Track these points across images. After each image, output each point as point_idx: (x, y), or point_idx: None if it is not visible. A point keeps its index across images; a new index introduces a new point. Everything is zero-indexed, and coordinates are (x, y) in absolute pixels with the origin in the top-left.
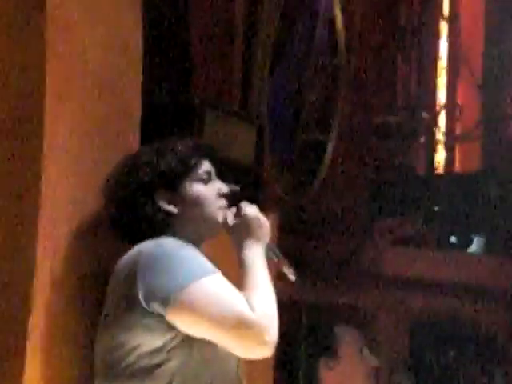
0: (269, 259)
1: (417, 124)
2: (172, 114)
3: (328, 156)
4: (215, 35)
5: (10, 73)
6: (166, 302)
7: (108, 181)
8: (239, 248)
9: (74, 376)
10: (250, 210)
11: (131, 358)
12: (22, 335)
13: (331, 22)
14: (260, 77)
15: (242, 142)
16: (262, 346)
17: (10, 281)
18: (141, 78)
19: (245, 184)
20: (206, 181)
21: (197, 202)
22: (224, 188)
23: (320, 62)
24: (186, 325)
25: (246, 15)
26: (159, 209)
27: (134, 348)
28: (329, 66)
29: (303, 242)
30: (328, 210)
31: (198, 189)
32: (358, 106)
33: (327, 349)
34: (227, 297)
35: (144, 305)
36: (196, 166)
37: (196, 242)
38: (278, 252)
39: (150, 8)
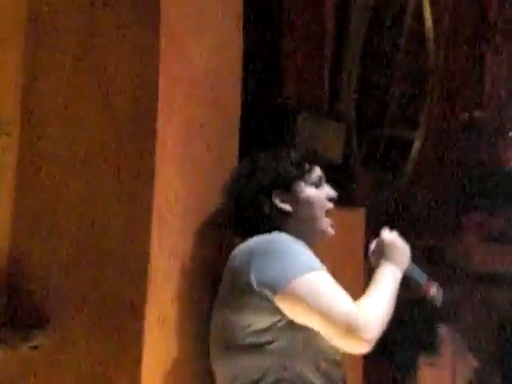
0: (415, 283)
1: (505, 119)
2: (266, 117)
3: (415, 152)
4: (306, 43)
5: (127, 79)
6: (275, 289)
7: (229, 183)
8: (375, 268)
9: (189, 357)
10: (388, 235)
11: (241, 337)
12: (139, 323)
13: (420, 16)
14: (348, 79)
15: (331, 141)
16: (360, 344)
17: (126, 269)
18: (240, 85)
19: (334, 181)
20: (317, 185)
21: (309, 203)
22: (332, 193)
23: (408, 58)
24: (292, 312)
25: (336, 21)
26: (276, 207)
27: (245, 327)
28: (417, 62)
29: None
30: (415, 206)
31: (310, 191)
32: (444, 101)
33: (429, 346)
34: (333, 293)
35: (256, 289)
36: (309, 170)
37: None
38: (423, 276)
39: (247, 23)
